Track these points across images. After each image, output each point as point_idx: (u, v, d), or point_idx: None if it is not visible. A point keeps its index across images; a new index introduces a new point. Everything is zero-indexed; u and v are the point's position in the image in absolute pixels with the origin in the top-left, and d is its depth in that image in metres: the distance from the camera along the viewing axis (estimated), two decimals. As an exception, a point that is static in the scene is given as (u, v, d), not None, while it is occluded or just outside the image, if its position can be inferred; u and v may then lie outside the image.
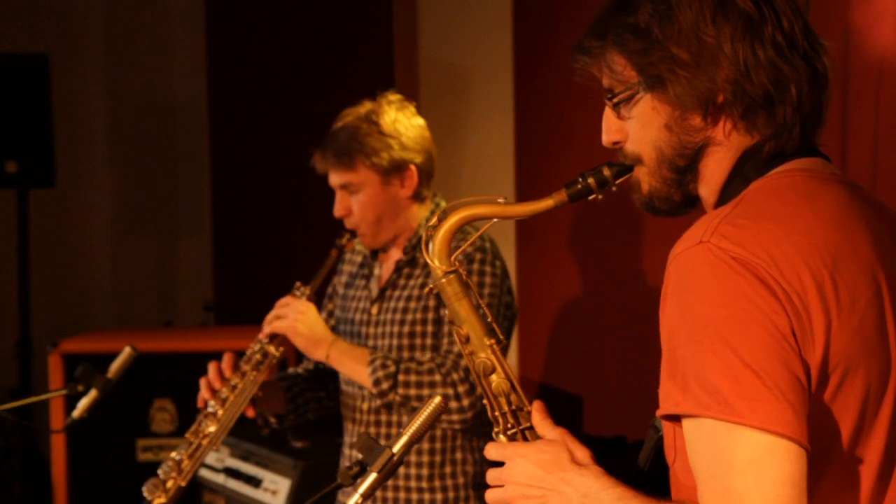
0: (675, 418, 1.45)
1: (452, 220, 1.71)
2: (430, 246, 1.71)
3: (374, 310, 2.86)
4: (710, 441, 1.39)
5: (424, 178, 2.83)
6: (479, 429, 2.76)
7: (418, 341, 2.77)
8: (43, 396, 3.00)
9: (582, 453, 1.58)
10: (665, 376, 1.45)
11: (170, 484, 2.61)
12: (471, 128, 4.39)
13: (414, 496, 2.79)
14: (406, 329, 2.78)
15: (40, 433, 5.14)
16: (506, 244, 4.08)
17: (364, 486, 1.66)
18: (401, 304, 2.80)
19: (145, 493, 2.60)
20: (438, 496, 2.78)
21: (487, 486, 2.81)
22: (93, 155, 6.00)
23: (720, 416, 1.37)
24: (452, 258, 1.72)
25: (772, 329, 1.38)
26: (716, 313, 1.39)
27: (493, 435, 1.70)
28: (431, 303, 2.76)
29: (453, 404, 2.67)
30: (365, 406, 2.84)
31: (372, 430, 2.83)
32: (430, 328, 2.77)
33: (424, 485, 2.78)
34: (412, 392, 2.68)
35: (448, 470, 2.79)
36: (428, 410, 1.69)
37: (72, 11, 5.96)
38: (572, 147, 3.85)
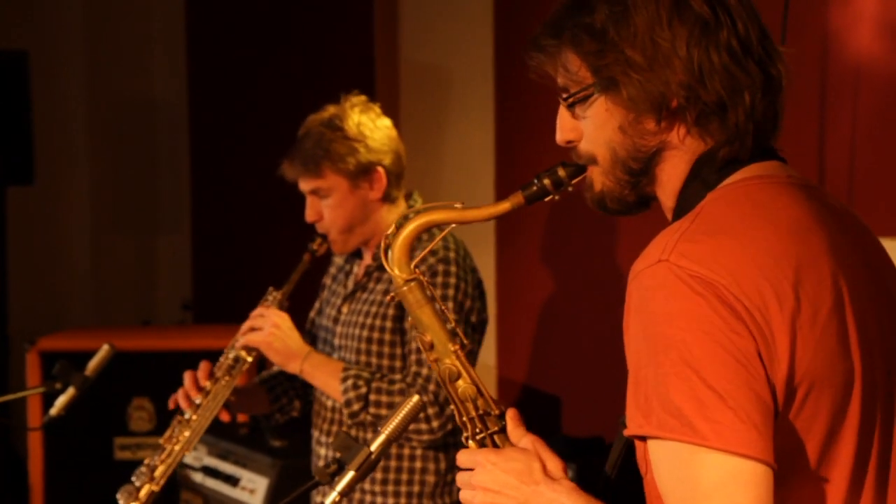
0: (643, 437, 1.44)
1: (410, 228, 1.69)
2: (389, 254, 1.70)
3: (345, 309, 2.88)
4: (674, 463, 1.38)
5: (393, 179, 2.82)
6: (444, 438, 2.76)
7: (375, 347, 2.77)
8: (20, 394, 2.99)
9: (554, 464, 1.57)
10: (630, 396, 1.44)
11: (143, 490, 2.61)
12: (451, 128, 4.40)
13: (367, 497, 2.79)
14: (365, 334, 2.78)
15: (17, 431, 5.11)
16: (485, 245, 4.08)
17: (342, 484, 1.66)
18: (364, 308, 2.81)
19: (119, 500, 2.60)
20: (390, 501, 2.78)
21: (444, 496, 2.82)
22: (72, 152, 5.98)
23: (684, 438, 1.36)
24: (412, 265, 1.71)
25: (734, 350, 1.37)
26: (677, 334, 1.38)
27: (463, 440, 1.69)
28: (391, 311, 2.76)
29: (423, 426, 2.67)
30: (330, 403, 2.85)
31: (335, 428, 2.83)
32: (387, 336, 2.77)
33: (377, 488, 2.78)
34: (383, 412, 2.68)
35: (405, 477, 2.78)
36: (406, 409, 1.69)
37: (51, 9, 5.93)
38: (552, 147, 3.85)
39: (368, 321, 2.78)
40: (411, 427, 2.65)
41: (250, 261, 5.49)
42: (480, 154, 4.24)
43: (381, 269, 2.83)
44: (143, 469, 2.62)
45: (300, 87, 5.07)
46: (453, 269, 2.72)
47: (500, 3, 4.18)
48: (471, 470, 1.61)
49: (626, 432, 1.45)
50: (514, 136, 4.14)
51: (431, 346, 1.69)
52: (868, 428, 1.48)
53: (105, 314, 5.99)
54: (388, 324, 2.77)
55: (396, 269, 1.70)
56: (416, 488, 2.78)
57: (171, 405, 2.73)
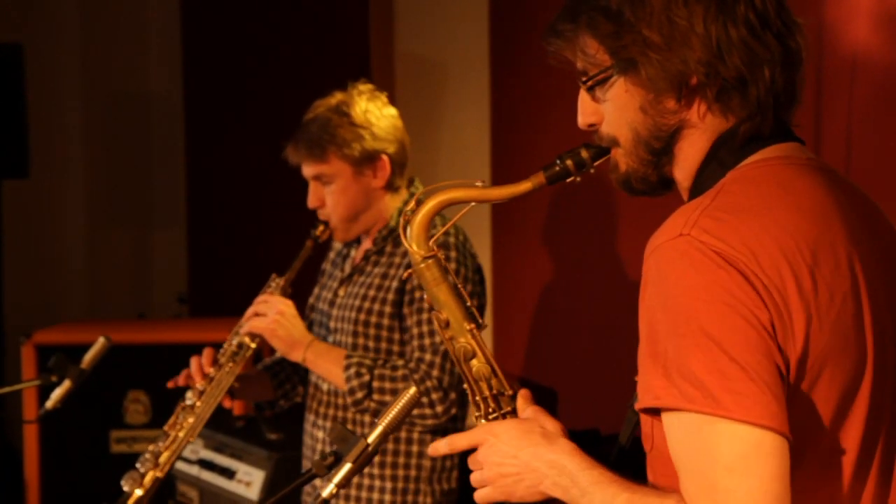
0: (654, 411, 1.44)
1: (430, 205, 1.69)
2: (408, 231, 1.70)
3: (341, 292, 2.88)
4: (694, 435, 1.38)
5: (397, 168, 2.83)
6: (447, 423, 2.77)
7: (372, 331, 2.78)
8: (16, 387, 2.99)
9: (552, 425, 1.59)
10: (645, 369, 1.43)
11: (148, 476, 2.61)
12: (447, 121, 4.40)
13: (365, 481, 2.79)
14: (362, 317, 2.78)
15: (13, 424, 5.11)
16: (481, 236, 4.08)
17: (339, 476, 1.66)
18: (361, 291, 2.81)
19: (124, 486, 2.60)
20: (388, 485, 2.78)
21: (442, 482, 2.83)
22: (67, 146, 5.97)
23: (706, 409, 1.36)
24: (431, 242, 1.70)
25: (755, 322, 1.38)
26: (698, 306, 1.38)
27: (475, 419, 1.69)
28: (391, 296, 2.77)
29: (427, 411, 2.68)
30: (326, 387, 2.85)
31: (332, 411, 2.84)
32: (385, 321, 2.77)
33: (375, 471, 2.78)
34: (387, 398, 2.69)
35: (401, 461, 2.79)
36: (403, 401, 1.69)
37: (46, 2, 5.92)
38: (548, 140, 3.86)
39: (366, 304, 2.79)
40: (415, 412, 2.67)
41: (246, 254, 5.49)
42: (476, 147, 4.24)
43: (380, 253, 2.84)
44: (147, 456, 2.63)
45: (295, 81, 5.07)
46: (453, 253, 2.73)
47: (495, -5, 4.18)
48: (482, 442, 1.62)
49: (639, 405, 1.45)
50: (510, 129, 4.14)
51: (447, 324, 1.69)
52: (877, 411, 1.49)
53: (101, 307, 5.98)
54: (388, 308, 2.77)
55: (415, 245, 1.70)
56: (413, 472, 2.79)
57: (169, 385, 2.73)
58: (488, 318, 4.00)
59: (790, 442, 1.38)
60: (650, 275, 1.45)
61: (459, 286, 1.71)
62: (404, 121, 2.87)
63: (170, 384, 2.74)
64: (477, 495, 1.63)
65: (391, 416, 1.69)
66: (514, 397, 1.68)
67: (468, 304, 1.70)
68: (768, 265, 1.40)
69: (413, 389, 1.70)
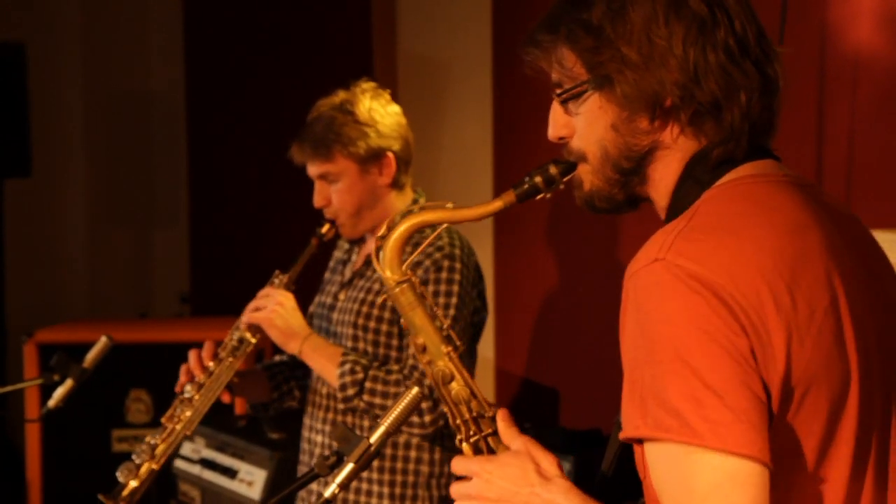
0: (639, 440, 1.43)
1: (402, 229, 1.68)
2: (381, 255, 1.69)
3: (342, 296, 2.88)
4: (671, 465, 1.37)
5: (402, 165, 2.83)
6: (437, 432, 2.76)
7: (370, 336, 2.77)
8: (18, 386, 2.99)
9: (547, 463, 1.56)
10: (625, 397, 1.43)
11: (143, 467, 2.61)
12: (449, 121, 4.39)
13: (363, 485, 2.79)
14: (361, 321, 2.78)
15: (15, 423, 5.11)
16: (483, 238, 4.08)
17: (341, 476, 1.66)
18: (361, 295, 2.81)
19: (119, 477, 2.60)
20: (385, 490, 2.78)
21: (440, 489, 2.82)
22: (69, 145, 5.97)
23: (681, 438, 1.35)
24: (404, 267, 1.69)
25: (731, 349, 1.36)
26: (674, 333, 1.37)
27: (457, 443, 1.68)
28: (390, 301, 2.76)
29: (415, 419, 2.66)
30: (324, 390, 2.85)
31: (331, 415, 2.84)
32: (384, 326, 2.77)
33: (374, 476, 2.78)
34: (377, 401, 2.68)
35: (399, 466, 2.78)
36: (405, 401, 1.69)
37: (48, 0, 5.92)
38: (549, 140, 3.86)
39: (365, 309, 2.78)
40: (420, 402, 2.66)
41: (248, 253, 5.49)
42: (478, 146, 4.24)
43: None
44: (143, 447, 2.63)
45: (298, 80, 5.06)
46: (458, 265, 2.73)
47: (498, -5, 4.17)
48: (467, 479, 1.60)
49: (622, 435, 1.44)
50: (512, 127, 4.14)
51: (424, 349, 1.68)
52: (866, 427, 1.48)
53: (102, 306, 5.99)
54: (387, 314, 2.77)
55: (388, 270, 1.69)
56: (410, 478, 2.79)
57: (177, 389, 2.73)
58: (489, 319, 3.99)
59: (770, 469, 1.36)
60: (628, 301, 1.44)
61: (434, 309, 1.70)
62: (407, 120, 2.87)
63: (177, 389, 2.73)
64: None
65: (393, 415, 1.69)
66: (494, 418, 1.66)
67: (445, 326, 1.69)
68: (745, 286, 1.38)
69: (416, 389, 1.69)
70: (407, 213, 1.69)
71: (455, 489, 1.61)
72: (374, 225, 2.85)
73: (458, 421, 1.67)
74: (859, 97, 2.96)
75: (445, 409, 1.69)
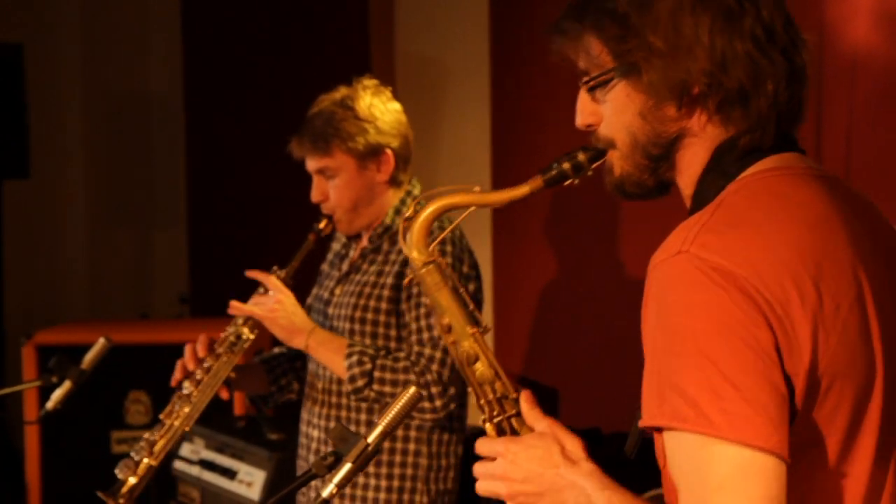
0: (657, 428, 1.43)
1: (429, 210, 1.68)
2: (408, 237, 1.69)
3: (338, 290, 2.88)
4: (687, 455, 1.38)
5: (401, 163, 2.83)
6: (443, 421, 2.76)
7: (368, 328, 2.77)
8: (17, 388, 2.99)
9: (572, 445, 1.57)
10: (645, 386, 1.43)
11: (142, 464, 2.62)
12: (447, 120, 4.39)
13: (361, 479, 2.79)
14: (358, 314, 2.78)
15: (14, 425, 5.11)
16: (482, 236, 4.08)
17: (339, 476, 1.66)
18: (357, 289, 2.81)
19: (118, 473, 2.61)
20: (384, 483, 2.78)
21: (439, 482, 2.82)
22: (68, 146, 5.97)
23: (698, 429, 1.36)
24: (430, 248, 1.70)
25: (753, 342, 1.36)
26: (696, 325, 1.37)
27: (481, 423, 1.68)
28: (386, 292, 2.77)
29: (426, 404, 2.67)
30: (320, 385, 2.85)
31: (326, 410, 2.84)
32: (382, 317, 2.77)
33: (371, 470, 2.77)
34: (387, 389, 2.68)
35: (398, 459, 2.79)
36: (403, 401, 1.69)
37: (47, 1, 5.92)
38: (548, 139, 3.86)
39: (361, 301, 2.79)
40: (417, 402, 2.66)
41: (247, 253, 5.48)
42: (476, 146, 4.24)
43: (376, 251, 2.84)
44: (142, 444, 2.63)
45: (297, 81, 5.06)
46: (449, 248, 2.73)
47: (496, -5, 4.17)
48: (491, 459, 1.60)
49: (642, 423, 1.44)
50: (510, 127, 4.14)
51: (450, 329, 1.68)
52: (890, 421, 1.48)
53: (102, 308, 5.98)
54: (383, 305, 2.77)
55: (415, 251, 1.69)
56: (409, 471, 2.79)
57: (172, 384, 2.73)
58: (489, 317, 4.00)
59: (787, 463, 1.36)
60: (651, 292, 1.44)
61: (461, 290, 1.71)
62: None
63: (172, 383, 2.74)
64: (480, 488, 1.61)
65: (391, 415, 1.68)
66: (517, 400, 1.67)
67: (470, 307, 1.70)
68: (770, 279, 1.39)
69: (413, 389, 1.69)
70: (434, 195, 1.69)
71: (479, 469, 1.61)
72: (371, 221, 2.85)
73: (483, 401, 1.68)
74: (857, 95, 2.97)
75: (470, 390, 1.70)
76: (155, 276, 6.20)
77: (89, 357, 2.72)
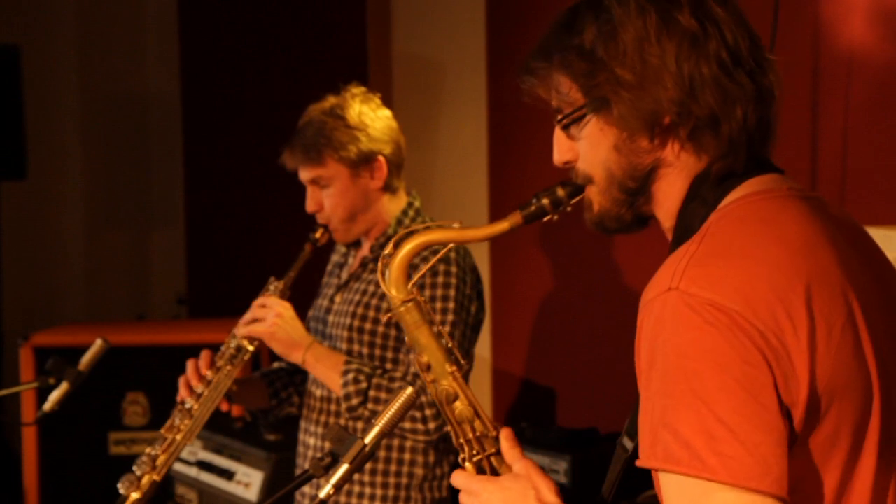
0: (650, 469, 1.43)
1: (408, 248, 1.68)
2: (387, 274, 1.69)
3: (338, 299, 2.88)
4: (683, 497, 1.37)
5: (394, 169, 2.83)
6: (436, 441, 2.76)
7: (366, 337, 2.77)
8: (13, 389, 2.99)
9: (547, 488, 1.57)
10: (640, 426, 1.43)
11: (144, 479, 2.62)
12: (444, 122, 4.39)
13: (356, 487, 2.79)
14: (356, 323, 2.78)
15: (11, 426, 5.11)
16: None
17: (336, 476, 1.66)
18: (356, 298, 2.81)
19: (120, 489, 2.60)
20: (378, 492, 2.78)
21: (434, 491, 2.82)
22: (65, 147, 5.97)
23: (692, 472, 1.35)
24: (410, 286, 1.69)
25: (746, 382, 1.36)
26: (688, 366, 1.37)
27: (460, 461, 1.68)
28: (385, 304, 2.76)
29: (420, 426, 2.67)
30: (319, 394, 2.85)
31: (324, 418, 2.84)
32: (380, 328, 2.77)
33: (366, 478, 2.77)
34: (381, 409, 2.67)
35: (393, 468, 2.78)
36: (399, 402, 1.69)
37: (43, 3, 5.92)
38: (545, 140, 3.85)
39: (360, 311, 2.79)
40: (408, 426, 2.67)
41: (244, 255, 5.49)
42: (473, 147, 4.24)
43: (376, 260, 2.83)
44: (144, 458, 2.63)
45: (293, 81, 5.07)
46: (454, 269, 2.72)
47: (492, -5, 4.18)
48: (468, 494, 1.61)
49: (639, 462, 1.44)
50: (507, 129, 4.14)
51: (429, 368, 1.68)
52: (888, 441, 1.48)
53: (99, 309, 5.98)
54: (382, 316, 2.76)
55: (394, 289, 1.69)
56: (403, 480, 2.78)
57: (178, 399, 2.73)
58: (486, 318, 4.00)
59: (786, 501, 1.36)
60: (643, 331, 1.44)
61: (439, 328, 1.71)
62: (401, 121, 2.87)
63: (178, 399, 2.73)
64: None
65: (388, 416, 1.68)
66: (497, 438, 1.67)
67: (449, 345, 1.70)
68: (762, 309, 1.38)
69: (410, 389, 1.69)
70: (412, 232, 1.69)
71: (460, 499, 1.62)
72: (368, 228, 2.85)
73: (462, 440, 1.68)
74: (853, 95, 2.97)
75: (448, 429, 1.70)
76: (152, 277, 6.19)
77: (86, 358, 2.72)
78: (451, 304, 2.69)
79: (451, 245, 1.72)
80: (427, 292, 2.68)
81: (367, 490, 2.78)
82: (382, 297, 2.76)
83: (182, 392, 2.72)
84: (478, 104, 4.22)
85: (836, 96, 2.99)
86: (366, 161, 2.79)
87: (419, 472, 2.79)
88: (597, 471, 1.57)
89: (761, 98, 1.52)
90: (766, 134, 1.55)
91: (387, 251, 1.70)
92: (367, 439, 1.67)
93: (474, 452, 1.67)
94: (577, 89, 1.54)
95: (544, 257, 4.00)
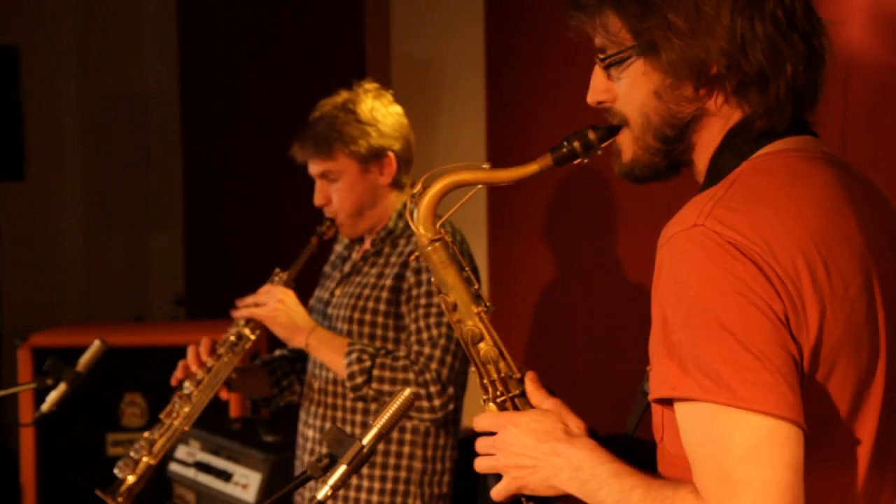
0: (667, 402, 1.43)
1: (437, 187, 1.67)
2: (415, 214, 1.68)
3: (338, 291, 2.89)
4: (708, 425, 1.38)
5: (403, 165, 2.84)
6: (445, 418, 2.76)
7: (366, 329, 2.78)
8: (12, 390, 2.99)
9: (575, 423, 1.59)
10: (659, 359, 1.43)
11: (141, 463, 2.62)
12: (442, 121, 4.39)
13: (354, 481, 2.79)
14: (356, 315, 2.79)
15: (9, 427, 5.11)
16: (478, 236, 4.08)
17: (334, 478, 1.65)
18: (356, 290, 2.82)
19: (117, 472, 2.61)
20: (377, 485, 2.78)
21: (433, 486, 2.82)
22: (63, 148, 5.97)
23: (721, 399, 1.36)
24: (438, 225, 1.69)
25: (769, 312, 1.37)
26: (713, 297, 1.38)
27: (483, 403, 1.68)
28: (385, 294, 2.77)
29: (424, 404, 2.68)
30: (317, 385, 2.85)
31: (322, 410, 2.84)
32: (380, 318, 2.78)
33: (364, 471, 2.78)
34: (385, 387, 2.69)
35: (392, 462, 2.79)
36: (398, 403, 1.68)
37: (43, 3, 5.92)
38: (544, 140, 3.85)
39: (360, 303, 2.79)
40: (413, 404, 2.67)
41: (243, 256, 5.49)
42: (472, 146, 4.24)
43: (377, 253, 2.84)
44: (141, 443, 2.64)
45: (292, 82, 5.06)
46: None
47: (491, -4, 4.17)
48: (492, 434, 1.61)
49: (655, 395, 1.44)
50: (505, 128, 4.14)
51: (455, 307, 1.68)
52: (891, 403, 1.49)
53: (97, 310, 5.98)
54: (382, 306, 2.77)
55: (422, 227, 1.69)
56: (403, 474, 2.79)
57: (173, 382, 2.74)
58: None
59: (805, 432, 1.37)
60: (664, 265, 1.44)
61: (467, 269, 1.70)
62: (407, 121, 2.88)
63: (173, 382, 2.74)
64: (478, 465, 1.62)
65: (386, 417, 1.68)
66: (521, 380, 1.67)
67: (475, 287, 1.69)
68: (783, 256, 1.39)
69: (408, 391, 1.69)
70: (441, 172, 1.68)
71: (479, 442, 1.62)
72: (374, 224, 2.86)
73: (486, 381, 1.68)
74: (851, 97, 2.97)
75: (473, 370, 1.69)
76: (151, 278, 6.19)
77: (85, 359, 2.72)
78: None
79: (480, 186, 1.69)
80: (424, 276, 2.69)
81: (366, 483, 2.78)
82: (382, 288, 2.77)
83: (178, 373, 2.72)
84: (476, 103, 4.22)
85: (835, 98, 2.99)
86: (375, 156, 2.80)
87: (418, 465, 2.79)
88: (613, 445, 1.57)
89: (812, 60, 1.53)
90: (813, 97, 1.56)
91: (416, 189, 1.69)
92: (365, 441, 1.66)
93: (498, 393, 1.67)
94: (627, 30, 1.53)
95: (541, 259, 4.00)
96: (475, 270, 2.82)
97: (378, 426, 1.67)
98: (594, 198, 3.69)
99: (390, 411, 1.68)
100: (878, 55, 2.91)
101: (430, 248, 1.69)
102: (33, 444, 4.05)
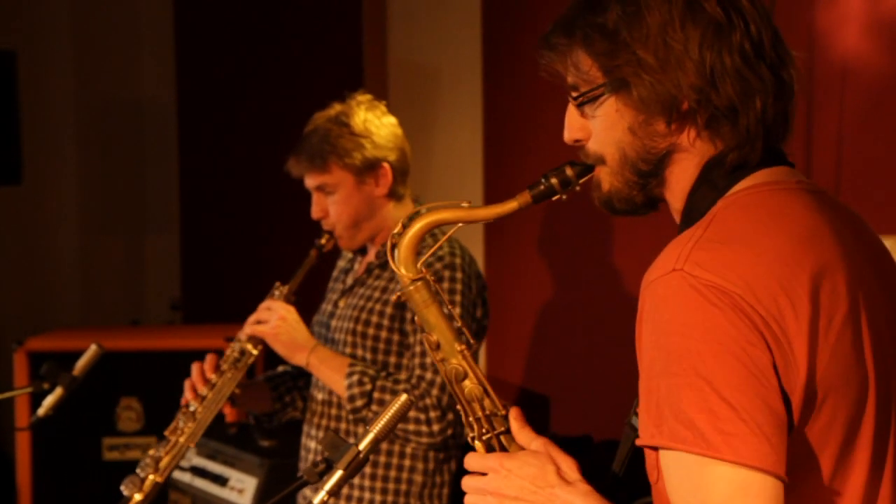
0: (655, 447, 1.43)
1: (417, 227, 1.67)
2: (396, 253, 1.69)
3: (341, 304, 2.89)
4: (686, 475, 1.38)
5: (399, 176, 2.84)
6: (444, 442, 2.76)
7: (369, 342, 2.78)
8: (8, 394, 2.98)
9: (567, 466, 1.57)
10: (642, 406, 1.43)
11: (147, 481, 2.62)
12: (440, 127, 4.40)
13: (355, 493, 2.79)
14: (360, 328, 2.79)
15: (5, 431, 5.10)
16: (474, 245, 4.09)
17: (330, 483, 1.66)
18: (360, 303, 2.82)
19: (123, 490, 2.61)
20: (377, 497, 2.78)
21: (433, 499, 2.81)
22: (60, 152, 5.97)
23: (696, 450, 1.36)
24: (419, 264, 1.69)
25: (748, 361, 1.36)
26: (691, 345, 1.37)
27: (469, 440, 1.67)
28: (389, 309, 2.77)
29: (424, 428, 2.68)
30: (320, 397, 2.86)
31: (325, 422, 2.84)
32: (383, 333, 2.78)
33: (366, 483, 2.78)
34: None
35: (392, 474, 2.78)
36: (394, 408, 1.69)
37: (39, 9, 5.92)
38: (540, 146, 3.87)
39: (363, 315, 2.79)
40: (412, 428, 2.67)
41: (239, 260, 5.49)
42: (469, 152, 4.24)
43: (382, 266, 2.84)
44: (147, 460, 2.63)
45: (289, 88, 5.07)
46: (459, 275, 2.73)
47: (487, 2, 4.18)
48: (481, 474, 1.59)
49: (639, 442, 1.44)
50: (503, 133, 4.14)
51: (438, 346, 1.67)
52: (883, 435, 1.48)
53: (93, 314, 5.98)
54: (385, 321, 2.77)
55: (403, 268, 1.68)
56: (403, 486, 2.78)
57: (183, 403, 2.74)
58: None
59: (784, 482, 1.36)
60: (645, 311, 1.44)
61: (448, 308, 1.70)
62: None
63: (182, 403, 2.74)
64: None
65: (382, 422, 1.68)
66: (506, 417, 1.66)
67: (458, 324, 1.69)
68: (764, 295, 1.38)
69: (405, 396, 1.69)
70: (421, 212, 1.68)
71: (469, 482, 1.60)
72: (373, 235, 2.86)
73: (471, 418, 1.66)
74: (847, 103, 2.98)
75: (458, 408, 1.69)
76: (147, 282, 6.19)
77: (81, 363, 2.72)
78: (458, 310, 2.70)
79: (460, 224, 1.70)
80: None
81: (367, 495, 2.78)
82: (386, 302, 2.77)
83: (187, 394, 2.72)
84: (473, 110, 4.23)
85: (831, 104, 3.00)
86: (370, 168, 2.80)
87: (419, 478, 2.79)
88: (591, 478, 1.57)
89: (782, 91, 1.52)
90: (784, 128, 1.55)
91: (396, 230, 1.69)
92: (362, 445, 1.67)
93: (484, 431, 1.66)
94: (597, 68, 1.54)
95: (539, 265, 4.01)
96: (483, 293, 2.81)
97: (374, 431, 1.68)
98: (590, 208, 3.69)
99: (387, 416, 1.68)
100: (874, 62, 2.92)
101: (411, 288, 1.68)
102: (29, 448, 4.04)
